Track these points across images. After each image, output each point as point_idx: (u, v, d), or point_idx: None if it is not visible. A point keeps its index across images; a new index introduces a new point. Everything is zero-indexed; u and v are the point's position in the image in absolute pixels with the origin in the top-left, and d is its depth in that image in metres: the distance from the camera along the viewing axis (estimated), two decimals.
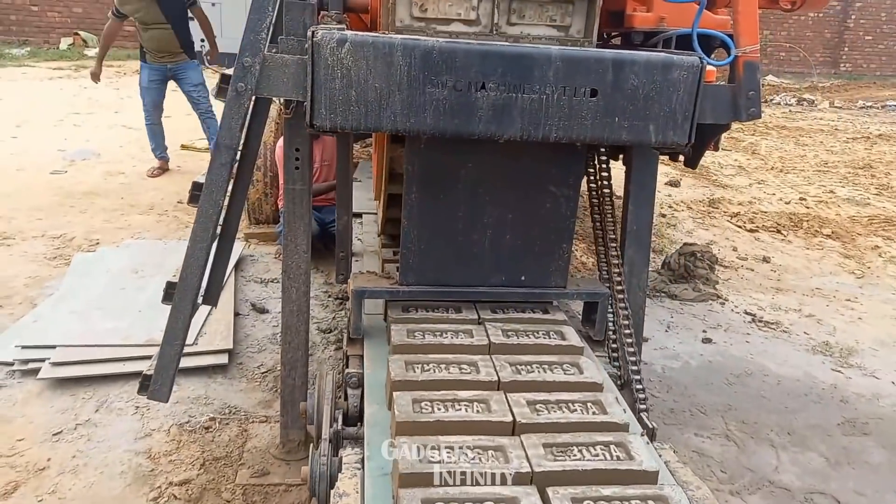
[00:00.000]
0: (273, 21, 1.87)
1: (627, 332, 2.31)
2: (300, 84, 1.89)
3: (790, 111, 13.25)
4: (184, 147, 7.53)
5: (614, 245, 2.40)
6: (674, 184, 7.20)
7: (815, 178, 8.06)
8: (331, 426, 1.91)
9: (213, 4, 12.83)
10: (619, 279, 2.36)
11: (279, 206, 4.75)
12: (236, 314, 3.70)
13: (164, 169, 6.55)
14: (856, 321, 4.24)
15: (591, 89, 1.91)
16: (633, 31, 2.21)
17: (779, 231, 6.05)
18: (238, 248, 4.63)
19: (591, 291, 2.33)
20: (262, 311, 3.82)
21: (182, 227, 5.16)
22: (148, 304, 3.55)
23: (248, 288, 4.11)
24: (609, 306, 2.35)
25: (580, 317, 2.56)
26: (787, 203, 6.87)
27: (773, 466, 2.79)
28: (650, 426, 1.99)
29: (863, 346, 3.89)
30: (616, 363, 2.33)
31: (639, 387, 2.21)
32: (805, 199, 7.02)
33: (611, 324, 2.37)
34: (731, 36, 2.02)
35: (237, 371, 3.23)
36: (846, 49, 18.94)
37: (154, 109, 6.32)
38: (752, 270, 5.08)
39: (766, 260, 5.29)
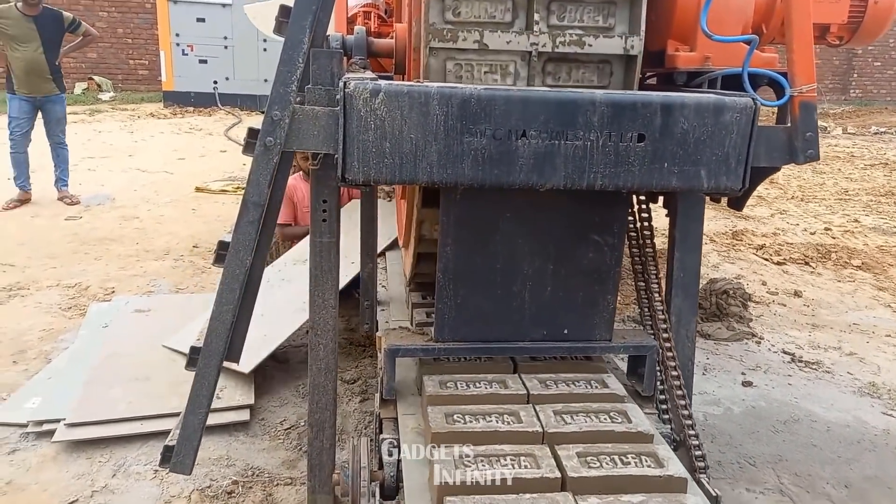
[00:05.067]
0: (302, 72, 1.78)
1: (678, 386, 2.16)
2: (332, 136, 1.79)
3: None
4: (198, 189, 7.51)
5: (658, 294, 2.26)
6: None
7: (838, 206, 7.91)
8: (368, 502, 1.77)
9: (226, 48, 13.01)
10: (665, 331, 2.23)
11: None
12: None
13: (23, 201, 6.64)
14: None
15: (639, 134, 1.80)
16: (675, 71, 2.11)
17: (807, 263, 5.89)
18: None
19: (639, 344, 2.19)
20: (283, 361, 3.69)
21: (198, 272, 5.08)
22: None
23: None
24: (657, 360, 2.21)
25: (623, 370, 2.42)
26: (812, 233, 6.72)
27: None
28: (714, 494, 1.84)
29: None
30: (667, 421, 2.18)
31: (695, 444, 2.05)
32: (830, 229, 6.86)
33: (659, 378, 2.23)
34: (783, 74, 1.91)
35: (259, 428, 3.09)
36: (855, 75, 18.95)
37: (22, 138, 6.52)
38: (785, 306, 4.91)
39: (797, 294, 5.12)
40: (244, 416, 3.09)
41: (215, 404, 3.11)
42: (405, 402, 2.15)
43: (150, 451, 2.84)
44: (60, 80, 6.62)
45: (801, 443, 3.14)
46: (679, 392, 2.14)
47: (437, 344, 2.11)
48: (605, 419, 1.86)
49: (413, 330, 2.24)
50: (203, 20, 12.84)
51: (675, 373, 2.17)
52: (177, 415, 2.94)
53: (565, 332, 2.14)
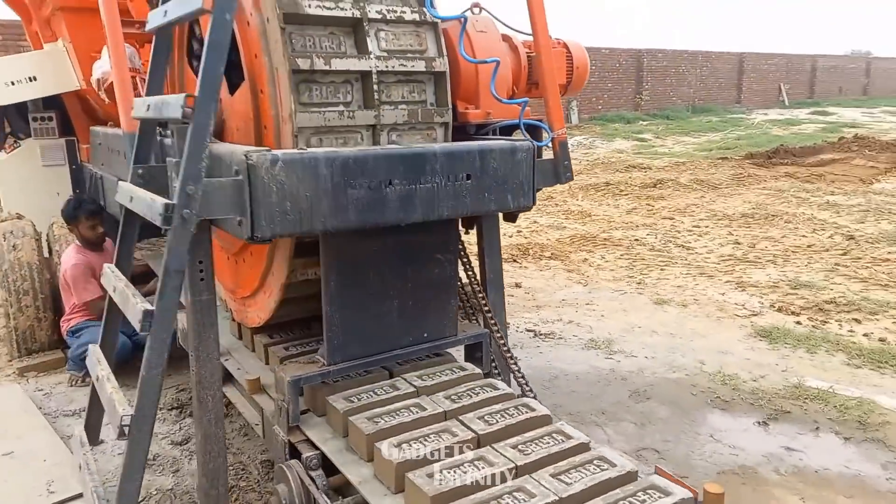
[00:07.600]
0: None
1: (511, 359, 2.85)
2: (238, 202, 2.05)
3: None
4: None
5: (481, 293, 2.93)
6: None
7: None
8: None
9: None
10: (494, 322, 2.90)
11: (63, 329, 4.30)
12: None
13: None
14: (601, 318, 5.44)
15: (467, 174, 2.44)
16: (467, 123, 2.80)
17: (515, 260, 7.27)
18: (17, 391, 4.07)
19: (477, 334, 2.83)
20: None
21: None
22: None
23: (62, 423, 3.68)
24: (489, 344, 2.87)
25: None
26: (510, 236, 8.23)
27: (607, 440, 3.57)
28: None
29: (615, 336, 5.04)
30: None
31: (532, 396, 2.75)
32: (521, 231, 8.48)
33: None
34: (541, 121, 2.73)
35: None
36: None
37: None
38: (513, 296, 6.08)
39: (518, 286, 6.36)
40: None
41: (48, 499, 2.93)
42: (308, 426, 2.44)
43: None
44: None
45: (564, 392, 4.13)
46: (512, 361, 2.83)
47: (331, 367, 2.46)
48: (484, 391, 2.44)
49: (304, 361, 2.54)
50: None
51: (506, 349, 2.85)
52: None
53: (425, 334, 2.67)
